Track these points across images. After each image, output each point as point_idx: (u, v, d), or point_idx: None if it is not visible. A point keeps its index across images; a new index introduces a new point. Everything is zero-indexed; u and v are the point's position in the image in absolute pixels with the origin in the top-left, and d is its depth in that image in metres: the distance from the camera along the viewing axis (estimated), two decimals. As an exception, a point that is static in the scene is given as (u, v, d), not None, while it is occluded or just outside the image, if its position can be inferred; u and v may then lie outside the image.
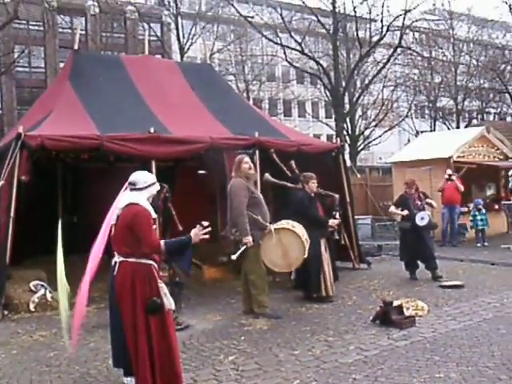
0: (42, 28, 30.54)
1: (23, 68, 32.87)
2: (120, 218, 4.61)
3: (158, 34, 31.92)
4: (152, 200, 4.84)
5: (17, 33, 28.65)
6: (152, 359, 4.44)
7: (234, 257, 7.28)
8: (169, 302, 4.57)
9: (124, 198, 4.68)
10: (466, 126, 31.85)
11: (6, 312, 7.87)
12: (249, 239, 7.20)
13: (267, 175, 8.84)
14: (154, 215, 4.67)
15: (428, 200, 10.23)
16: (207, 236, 4.64)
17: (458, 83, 33.94)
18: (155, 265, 4.63)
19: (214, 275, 10.56)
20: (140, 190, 4.68)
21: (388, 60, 27.62)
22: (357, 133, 31.19)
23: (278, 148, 10.04)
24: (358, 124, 32.01)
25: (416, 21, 27.22)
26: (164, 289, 4.58)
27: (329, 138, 37.99)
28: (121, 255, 4.60)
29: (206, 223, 4.64)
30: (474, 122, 34.89)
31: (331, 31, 27.20)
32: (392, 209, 10.18)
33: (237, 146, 9.63)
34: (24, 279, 8.63)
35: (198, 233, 4.60)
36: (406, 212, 9.76)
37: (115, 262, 4.63)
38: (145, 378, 4.41)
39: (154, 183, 4.77)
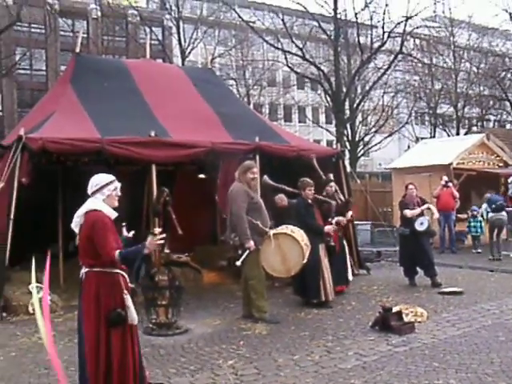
0: (43, 31, 30.64)
1: (24, 70, 32.91)
2: (82, 228, 4.46)
3: (160, 37, 31.98)
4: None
5: (18, 35, 28.67)
6: (110, 373, 4.31)
7: (238, 263, 7.28)
8: (131, 317, 4.36)
9: (83, 206, 4.53)
10: (465, 133, 31.87)
11: (4, 314, 7.88)
12: (251, 244, 7.21)
13: (266, 178, 8.84)
14: (112, 216, 4.49)
15: (429, 205, 10.21)
16: (162, 242, 4.44)
17: (459, 90, 34.00)
18: (123, 273, 4.46)
19: (213, 279, 10.58)
20: (93, 194, 4.51)
21: (389, 66, 27.70)
22: (357, 139, 31.21)
23: (278, 153, 10.06)
24: (359, 130, 32.04)
25: (417, 28, 27.30)
26: (128, 300, 4.37)
27: (329, 143, 38.07)
28: (86, 266, 4.43)
29: (158, 230, 4.53)
30: (474, 129, 34.94)
31: (332, 37, 27.26)
32: (406, 212, 9.93)
33: (237, 151, 9.64)
34: (23, 281, 8.59)
35: (152, 241, 4.38)
36: (418, 210, 9.72)
37: (82, 274, 4.46)
38: None
39: (108, 183, 4.53)
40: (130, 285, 4.58)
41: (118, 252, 4.31)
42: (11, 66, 25.44)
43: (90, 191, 4.54)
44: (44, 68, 35.13)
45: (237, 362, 5.66)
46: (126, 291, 4.42)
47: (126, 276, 4.53)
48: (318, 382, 5.05)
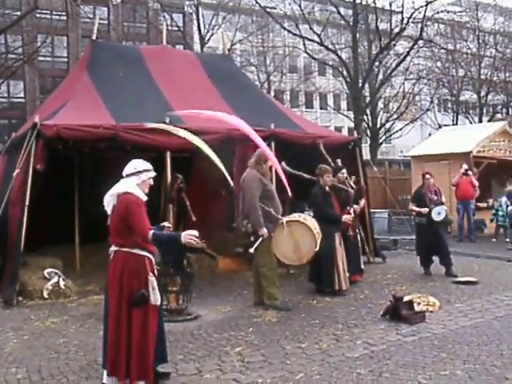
0: (65, 18, 30.79)
1: (46, 57, 33.16)
2: (115, 208, 4.67)
3: (180, 24, 31.90)
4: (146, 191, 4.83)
5: (39, 22, 28.83)
6: (129, 351, 4.49)
7: (251, 250, 7.29)
8: (154, 298, 4.55)
9: (115, 186, 4.74)
10: (489, 120, 31.39)
11: (20, 298, 8.00)
12: (264, 231, 7.20)
13: (284, 164, 8.79)
14: (143, 199, 4.67)
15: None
16: (195, 242, 4.54)
17: (482, 76, 33.40)
18: (149, 256, 4.64)
19: (229, 266, 10.60)
20: (128, 177, 4.72)
21: (408, 53, 27.23)
22: (378, 126, 30.91)
23: (294, 140, 10.01)
24: (380, 117, 31.72)
25: (437, 13, 26.76)
26: (153, 282, 4.56)
27: (350, 130, 37.74)
28: (116, 245, 4.65)
29: (196, 233, 4.60)
30: (498, 116, 34.38)
31: (351, 23, 26.92)
32: (411, 206, 10.04)
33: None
34: (39, 266, 8.74)
35: (188, 234, 4.54)
36: (425, 209, 9.64)
37: (111, 252, 4.69)
38: (119, 369, 4.50)
39: (144, 170, 4.73)
40: (155, 267, 4.75)
41: (151, 232, 4.53)
42: (32, 53, 25.63)
43: (125, 173, 4.75)
44: (65, 55, 35.39)
45: (244, 349, 5.67)
46: (151, 273, 4.59)
47: (153, 259, 4.71)
48: (323, 370, 5.04)
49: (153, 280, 4.58)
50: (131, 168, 4.74)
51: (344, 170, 9.20)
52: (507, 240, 13.75)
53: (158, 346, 4.68)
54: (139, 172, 4.72)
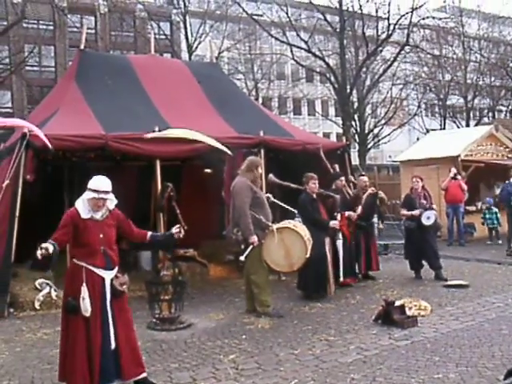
0: (52, 27, 30.73)
1: (33, 67, 33.03)
2: None
3: (168, 32, 31.94)
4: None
5: (27, 32, 28.76)
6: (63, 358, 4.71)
7: (242, 258, 7.29)
8: (83, 308, 4.53)
9: None
10: (476, 124, 31.64)
11: (11, 310, 7.95)
12: (254, 239, 7.20)
13: (271, 176, 8.85)
14: (83, 215, 4.66)
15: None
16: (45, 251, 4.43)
17: (468, 81, 33.71)
18: (89, 267, 4.63)
19: (220, 274, 10.64)
20: None
21: (395, 58, 27.44)
22: (366, 131, 31.04)
23: (283, 147, 10.07)
24: (368, 122, 31.86)
25: (423, 19, 26.99)
26: (84, 292, 4.53)
27: (339, 136, 37.97)
28: None
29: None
30: (485, 120, 34.68)
31: (338, 29, 27.08)
32: (402, 212, 10.10)
33: (242, 145, 9.65)
34: (30, 277, 8.69)
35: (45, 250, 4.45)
36: (417, 211, 9.66)
37: None
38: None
39: (88, 190, 4.66)
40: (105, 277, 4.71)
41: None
42: (19, 63, 25.53)
43: None
44: (53, 64, 35.28)
45: (238, 356, 5.68)
46: (85, 283, 4.57)
47: (95, 269, 4.66)
48: (317, 376, 5.06)
49: (84, 289, 4.54)
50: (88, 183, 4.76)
51: (343, 178, 9.26)
52: (488, 242, 13.85)
53: (102, 363, 4.57)
54: (88, 189, 4.69)
